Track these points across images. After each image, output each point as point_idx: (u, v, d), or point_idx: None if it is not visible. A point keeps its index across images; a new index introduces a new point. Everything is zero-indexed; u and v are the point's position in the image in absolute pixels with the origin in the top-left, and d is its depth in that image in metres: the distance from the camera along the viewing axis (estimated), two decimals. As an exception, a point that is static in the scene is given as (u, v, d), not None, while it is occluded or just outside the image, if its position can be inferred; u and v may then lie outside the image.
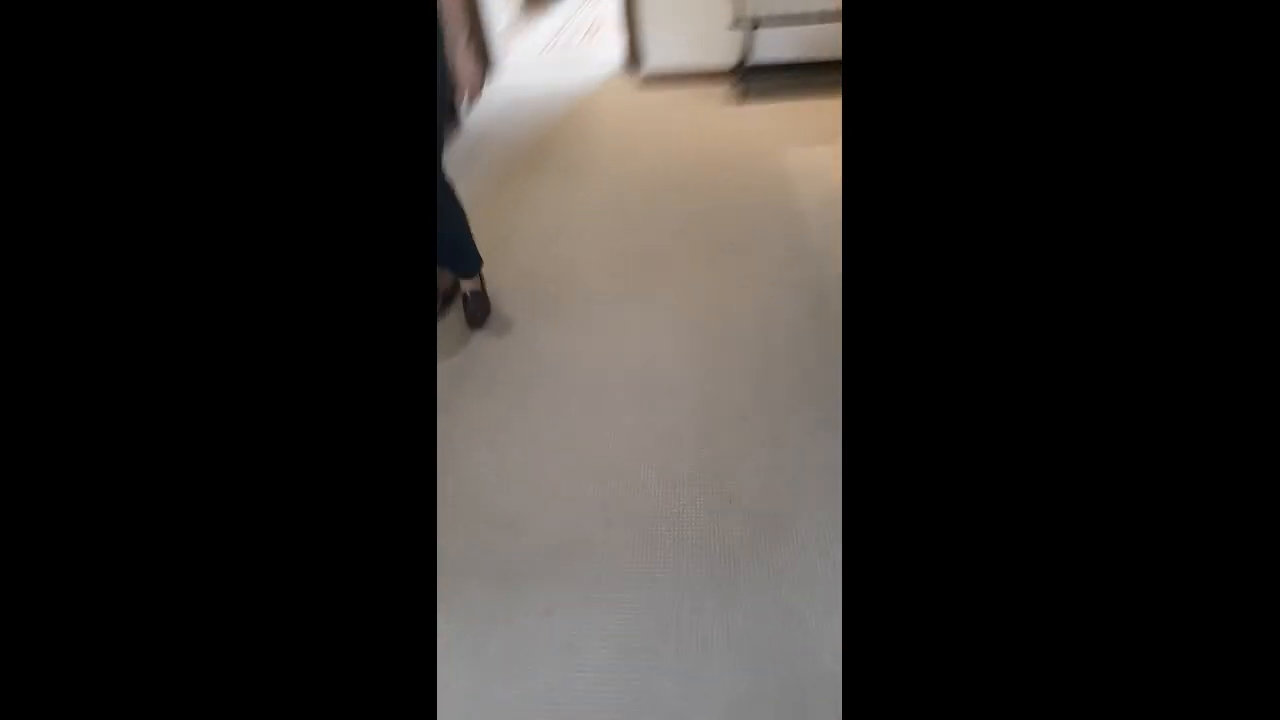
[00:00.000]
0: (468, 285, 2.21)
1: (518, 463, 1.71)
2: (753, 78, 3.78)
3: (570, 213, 2.71)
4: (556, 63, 4.81)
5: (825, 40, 3.61)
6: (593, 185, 2.89)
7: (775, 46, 3.84)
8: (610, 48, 4.87)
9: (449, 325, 2.18)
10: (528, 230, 2.62)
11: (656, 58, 4.00)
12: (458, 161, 3.24)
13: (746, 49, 3.76)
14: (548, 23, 5.86)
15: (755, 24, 3.69)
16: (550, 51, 5.13)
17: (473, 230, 2.59)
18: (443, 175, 1.99)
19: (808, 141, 3.08)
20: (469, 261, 2.19)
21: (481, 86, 1.72)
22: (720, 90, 3.82)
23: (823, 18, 3.43)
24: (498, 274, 2.35)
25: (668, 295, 2.19)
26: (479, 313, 2.19)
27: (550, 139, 3.44)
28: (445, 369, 1.99)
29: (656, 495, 1.57)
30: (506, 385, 1.95)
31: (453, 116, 2.24)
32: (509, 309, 2.22)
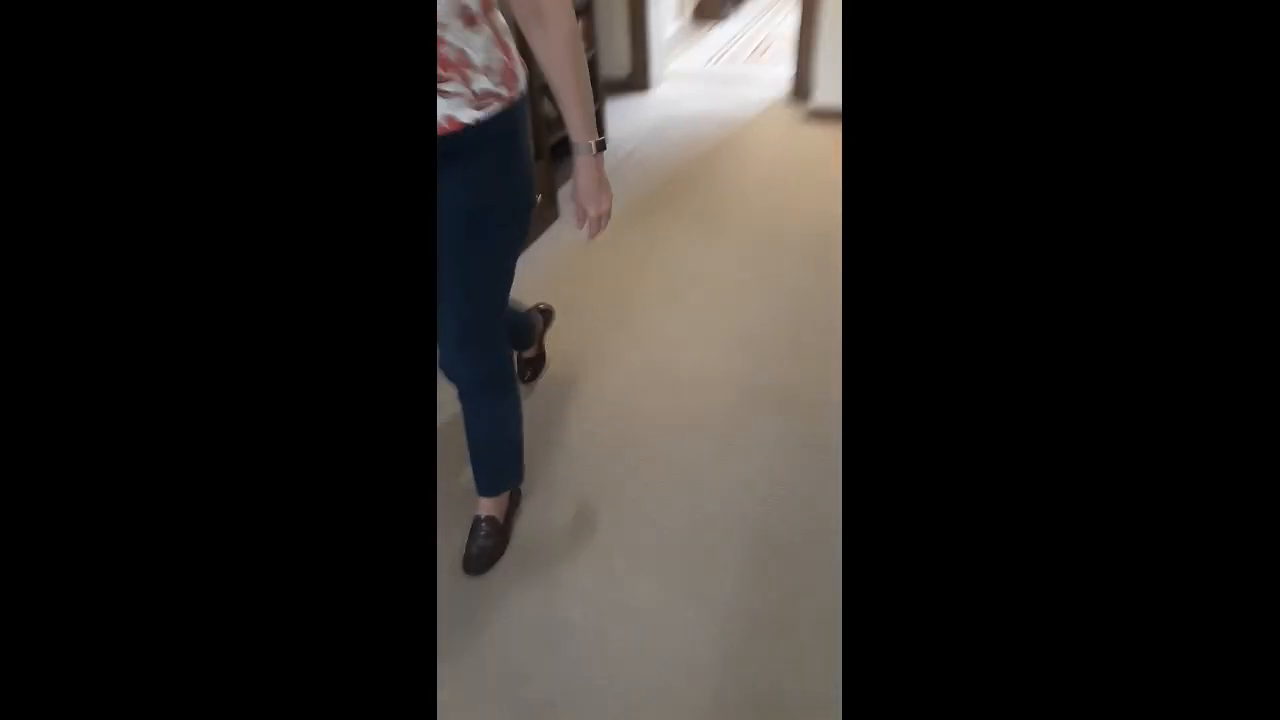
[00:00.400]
0: (487, 509, 1.38)
1: (561, 642, 1.28)
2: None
3: (696, 269, 2.38)
4: (718, 81, 4.48)
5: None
6: (729, 234, 2.54)
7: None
8: (777, 71, 4.49)
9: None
10: (647, 285, 2.31)
11: (825, 91, 3.57)
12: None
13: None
14: (716, 34, 5.54)
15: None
16: (714, 64, 4.81)
17: (588, 267, 2.30)
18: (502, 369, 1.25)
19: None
20: (503, 476, 1.39)
21: (608, 214, 1.19)
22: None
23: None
24: (594, 344, 2.05)
25: (783, 416, 1.80)
26: (485, 553, 1.35)
27: (698, 167, 3.11)
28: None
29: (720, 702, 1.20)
30: (558, 525, 1.60)
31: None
32: (591, 400, 1.91)
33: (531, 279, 2.23)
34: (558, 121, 3.17)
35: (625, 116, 3.75)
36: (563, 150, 3.09)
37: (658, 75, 4.21)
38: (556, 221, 2.62)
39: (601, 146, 1.08)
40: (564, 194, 2.81)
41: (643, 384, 1.80)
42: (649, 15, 3.94)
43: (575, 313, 2.05)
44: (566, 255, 2.40)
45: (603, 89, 4.09)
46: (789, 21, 5.79)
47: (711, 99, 4.04)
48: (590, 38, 4.06)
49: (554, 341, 1.92)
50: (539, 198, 2.45)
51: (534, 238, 2.49)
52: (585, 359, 1.90)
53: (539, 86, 2.46)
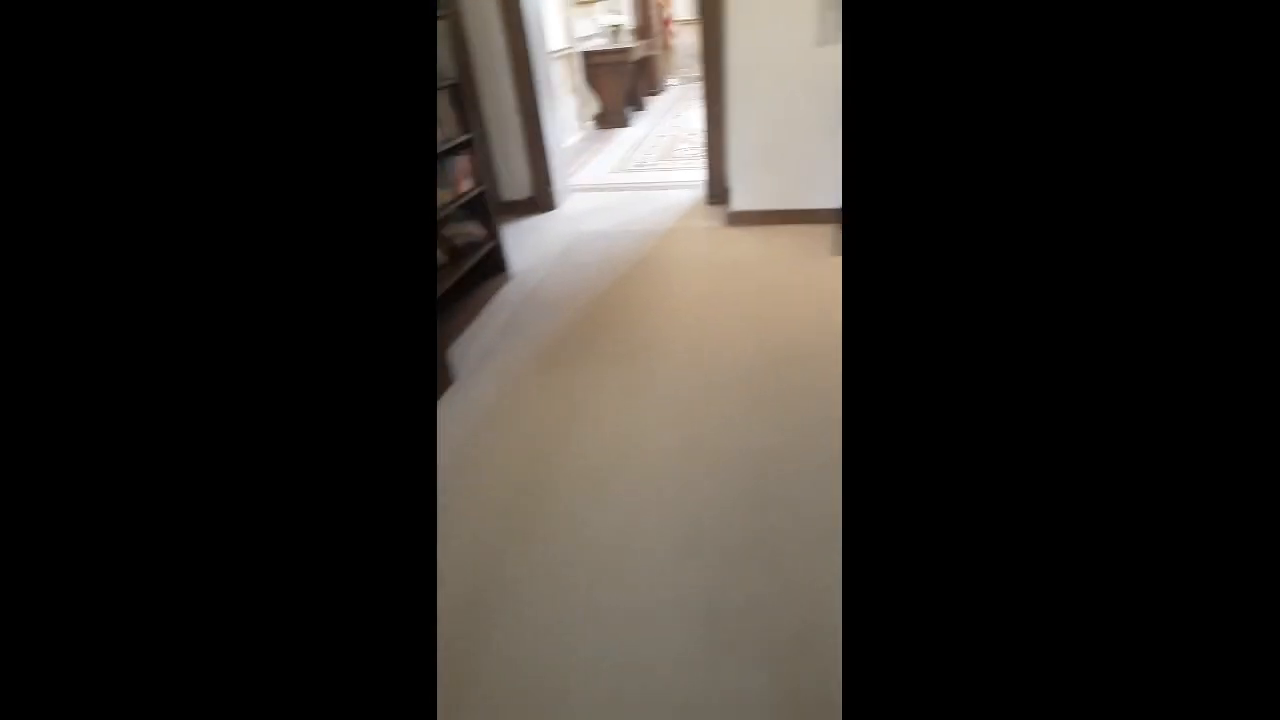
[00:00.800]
0: None
1: None
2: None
3: (623, 439, 1.91)
4: (628, 190, 4.18)
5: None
6: (657, 382, 2.10)
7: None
8: (690, 173, 4.24)
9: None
10: (562, 467, 1.82)
11: (742, 195, 3.27)
12: (506, 318, 2.51)
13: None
14: (620, 139, 5.34)
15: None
16: (621, 173, 4.54)
17: (490, 445, 1.63)
18: None
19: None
20: None
21: None
22: (822, 232, 3.04)
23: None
24: (498, 568, 1.52)
25: (759, 664, 1.30)
26: None
27: (615, 295, 2.70)
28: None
29: None
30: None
31: None
32: (499, 652, 1.37)
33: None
34: (445, 268, 2.79)
35: (529, 242, 3.35)
36: (450, 299, 2.64)
37: (561, 192, 3.87)
38: (449, 389, 2.12)
39: None
40: (455, 353, 2.32)
41: (567, 619, 1.27)
42: (545, 129, 3.63)
43: (475, 513, 1.53)
44: (461, 433, 1.89)
45: (503, 215, 3.73)
46: (696, 116, 5.69)
47: (622, 211, 3.70)
48: (486, 162, 3.71)
49: (448, 555, 1.38)
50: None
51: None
52: (488, 588, 1.35)
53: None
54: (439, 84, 2.40)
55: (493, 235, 2.81)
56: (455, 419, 1.96)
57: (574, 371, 2.14)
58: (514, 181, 3.76)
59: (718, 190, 3.51)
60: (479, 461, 1.75)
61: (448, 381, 2.15)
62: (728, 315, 2.40)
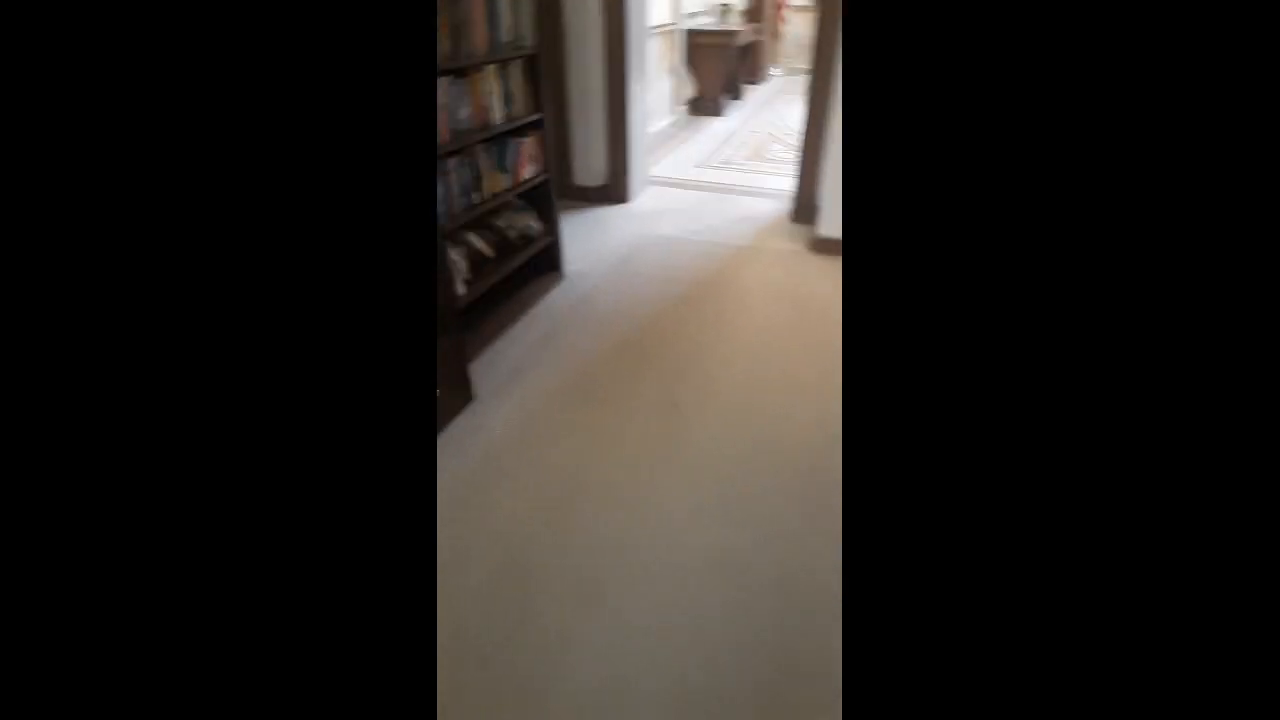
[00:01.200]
0: None
1: None
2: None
3: (644, 527, 1.57)
4: (708, 191, 3.76)
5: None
6: (702, 445, 1.74)
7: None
8: (777, 181, 3.78)
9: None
10: (562, 573, 1.50)
11: (832, 216, 2.82)
12: (547, 328, 2.20)
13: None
14: (710, 130, 4.88)
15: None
16: (705, 168, 4.11)
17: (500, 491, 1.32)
18: None
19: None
20: None
21: None
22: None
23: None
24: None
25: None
26: None
27: (670, 320, 2.34)
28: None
29: None
30: None
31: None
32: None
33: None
34: (492, 262, 2.43)
35: (591, 240, 3.00)
36: (493, 299, 2.32)
37: (638, 184, 3.49)
38: (467, 408, 1.83)
39: None
40: (483, 365, 2.02)
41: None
42: (630, 114, 3.24)
43: (443, 594, 1.23)
44: (461, 472, 1.59)
45: (571, 200, 3.37)
46: (795, 114, 5.16)
47: (698, 215, 3.30)
48: (563, 142, 3.36)
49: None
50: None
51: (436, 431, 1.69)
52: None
53: (442, 233, 1.70)
54: (515, 53, 2.06)
55: (551, 230, 2.47)
56: (462, 451, 1.65)
57: (602, 413, 1.80)
58: (589, 166, 3.41)
59: (806, 206, 3.06)
60: (467, 518, 1.44)
61: (467, 398, 1.85)
62: (791, 374, 2.00)
